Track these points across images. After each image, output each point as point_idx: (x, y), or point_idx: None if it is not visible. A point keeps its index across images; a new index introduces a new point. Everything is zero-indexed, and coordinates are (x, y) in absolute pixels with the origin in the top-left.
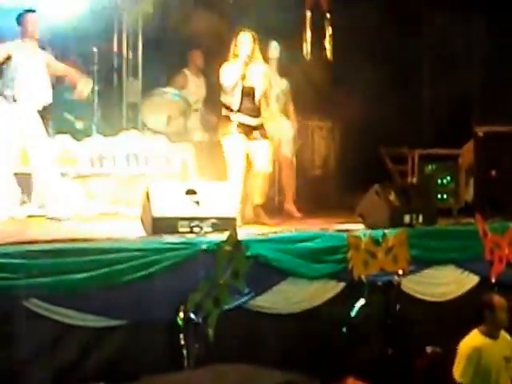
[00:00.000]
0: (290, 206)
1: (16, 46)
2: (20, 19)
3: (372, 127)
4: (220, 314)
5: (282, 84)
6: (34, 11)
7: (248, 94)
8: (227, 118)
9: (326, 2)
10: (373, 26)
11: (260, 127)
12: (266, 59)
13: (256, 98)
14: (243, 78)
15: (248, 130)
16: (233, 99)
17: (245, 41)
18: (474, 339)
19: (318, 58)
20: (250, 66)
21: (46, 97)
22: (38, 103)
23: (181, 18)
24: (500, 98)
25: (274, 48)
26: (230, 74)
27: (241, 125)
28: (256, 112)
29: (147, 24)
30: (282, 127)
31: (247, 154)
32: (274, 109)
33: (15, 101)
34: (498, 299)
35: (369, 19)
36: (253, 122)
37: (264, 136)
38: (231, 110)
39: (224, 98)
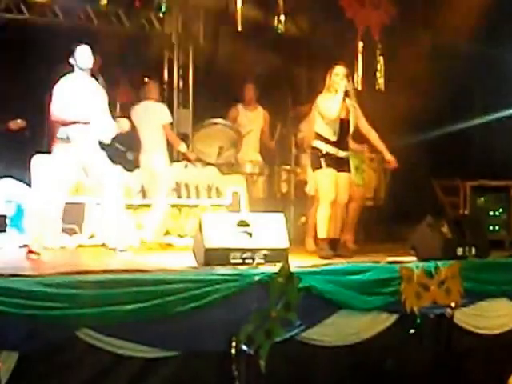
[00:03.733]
0: (347, 236)
1: (73, 79)
2: (74, 52)
3: (423, 158)
4: (272, 346)
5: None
6: (86, 43)
7: (342, 126)
8: (319, 149)
9: (377, 32)
10: (422, 53)
11: (347, 160)
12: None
13: (349, 131)
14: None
15: (337, 162)
16: (329, 131)
17: (341, 74)
18: None
19: (370, 88)
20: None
21: (111, 130)
22: (103, 136)
23: (232, 50)
24: None
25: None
26: (332, 105)
27: (333, 157)
28: (345, 145)
29: (198, 55)
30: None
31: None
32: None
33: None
34: None
35: (418, 47)
36: (343, 154)
37: (348, 169)
38: (327, 142)
39: (320, 129)
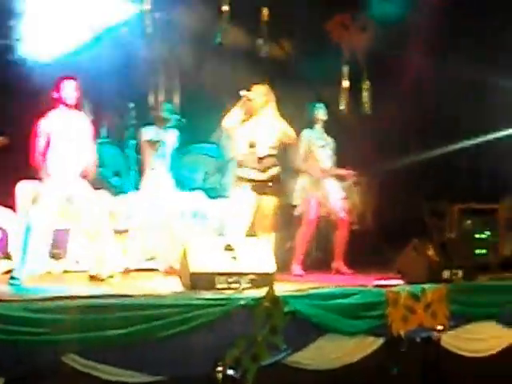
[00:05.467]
0: (339, 264)
1: (55, 117)
2: (58, 86)
3: (410, 181)
4: (258, 370)
5: (331, 143)
6: (73, 78)
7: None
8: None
9: (363, 56)
10: (409, 77)
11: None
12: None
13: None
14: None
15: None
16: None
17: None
18: None
19: (355, 112)
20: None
21: (89, 158)
22: (83, 166)
23: (218, 73)
24: None
25: (322, 110)
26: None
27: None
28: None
29: (184, 78)
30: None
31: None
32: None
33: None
34: None
35: (404, 70)
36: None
37: (272, 192)
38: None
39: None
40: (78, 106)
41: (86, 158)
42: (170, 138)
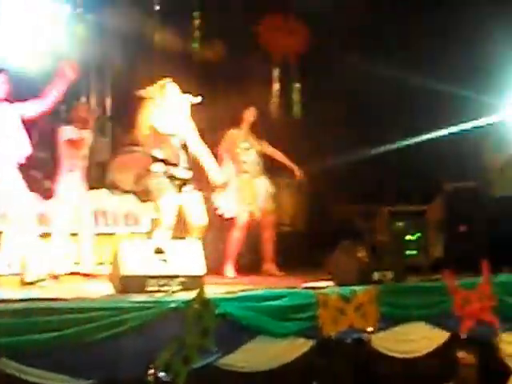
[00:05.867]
0: (270, 265)
1: None
2: None
3: (340, 184)
4: (189, 373)
5: (258, 145)
6: (4, 70)
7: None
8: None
9: (294, 58)
10: (340, 78)
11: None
12: (240, 121)
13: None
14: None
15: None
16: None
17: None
18: None
19: (286, 115)
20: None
21: (25, 149)
22: (16, 158)
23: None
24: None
25: (250, 112)
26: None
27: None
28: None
29: (116, 82)
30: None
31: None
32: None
33: None
34: (467, 356)
35: (335, 71)
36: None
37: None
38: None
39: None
40: (7, 99)
41: (17, 153)
42: (89, 138)
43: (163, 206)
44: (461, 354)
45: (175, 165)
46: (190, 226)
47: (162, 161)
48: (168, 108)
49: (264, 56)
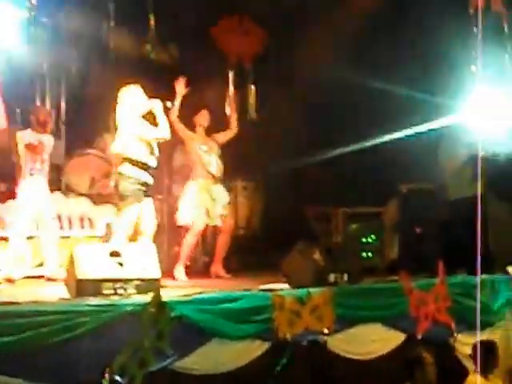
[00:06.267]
0: (218, 268)
1: None
2: None
3: (296, 186)
4: (145, 376)
5: (217, 150)
6: None
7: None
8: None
9: (249, 60)
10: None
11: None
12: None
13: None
14: None
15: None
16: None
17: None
18: None
19: (242, 118)
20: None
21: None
22: None
23: (103, 80)
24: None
25: (204, 116)
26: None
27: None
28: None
29: (70, 85)
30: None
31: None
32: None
33: None
34: (426, 355)
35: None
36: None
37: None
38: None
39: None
40: None
41: None
42: (48, 142)
43: (127, 211)
44: (425, 354)
45: (145, 167)
46: (139, 232)
47: (133, 162)
48: (137, 111)
49: (219, 58)
